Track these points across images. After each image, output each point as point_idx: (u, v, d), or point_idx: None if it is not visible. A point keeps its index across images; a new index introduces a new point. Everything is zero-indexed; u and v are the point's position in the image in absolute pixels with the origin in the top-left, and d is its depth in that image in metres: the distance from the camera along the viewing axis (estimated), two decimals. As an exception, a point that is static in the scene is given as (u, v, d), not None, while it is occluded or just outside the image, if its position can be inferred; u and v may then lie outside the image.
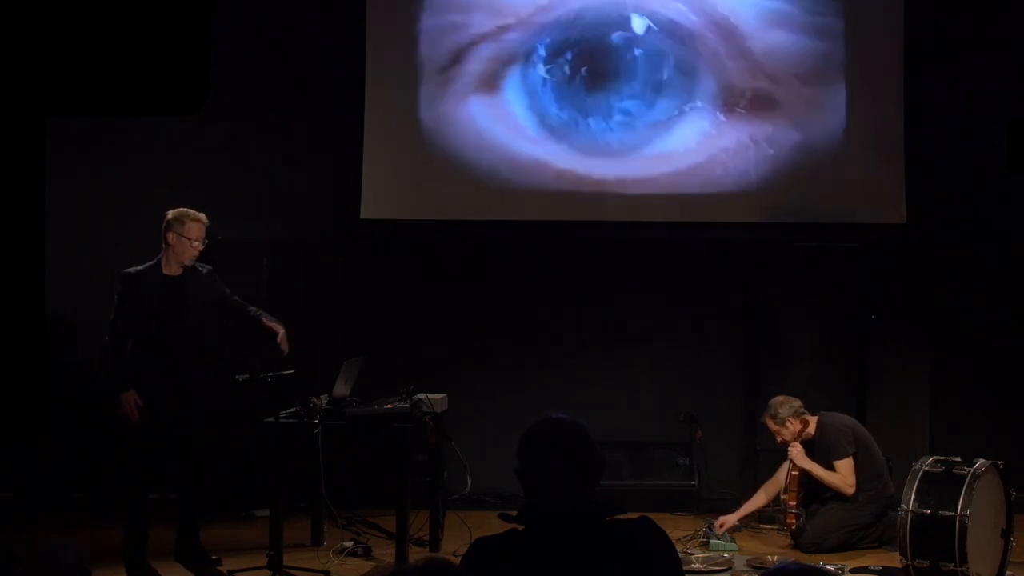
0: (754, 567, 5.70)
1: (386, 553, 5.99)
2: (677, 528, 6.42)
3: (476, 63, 7.40)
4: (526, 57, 7.39)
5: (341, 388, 5.79)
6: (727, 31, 7.31)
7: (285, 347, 5.83)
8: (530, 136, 7.40)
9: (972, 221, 7.39)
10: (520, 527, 2.67)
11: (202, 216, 5.71)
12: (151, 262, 5.71)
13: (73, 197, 7.05)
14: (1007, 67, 7.23)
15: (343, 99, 7.51)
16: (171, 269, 5.70)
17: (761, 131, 7.33)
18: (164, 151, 7.33)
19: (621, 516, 2.67)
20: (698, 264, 7.59)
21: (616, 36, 7.36)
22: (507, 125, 7.40)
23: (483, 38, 7.40)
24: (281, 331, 5.82)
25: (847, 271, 7.38)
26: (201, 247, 5.70)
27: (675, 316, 7.56)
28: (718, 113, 7.33)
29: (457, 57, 7.42)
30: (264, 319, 5.87)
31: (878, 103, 7.34)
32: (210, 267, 5.88)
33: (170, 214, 5.69)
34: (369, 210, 7.47)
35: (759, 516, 6.55)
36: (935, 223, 7.35)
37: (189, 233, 5.65)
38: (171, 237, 5.65)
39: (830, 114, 7.33)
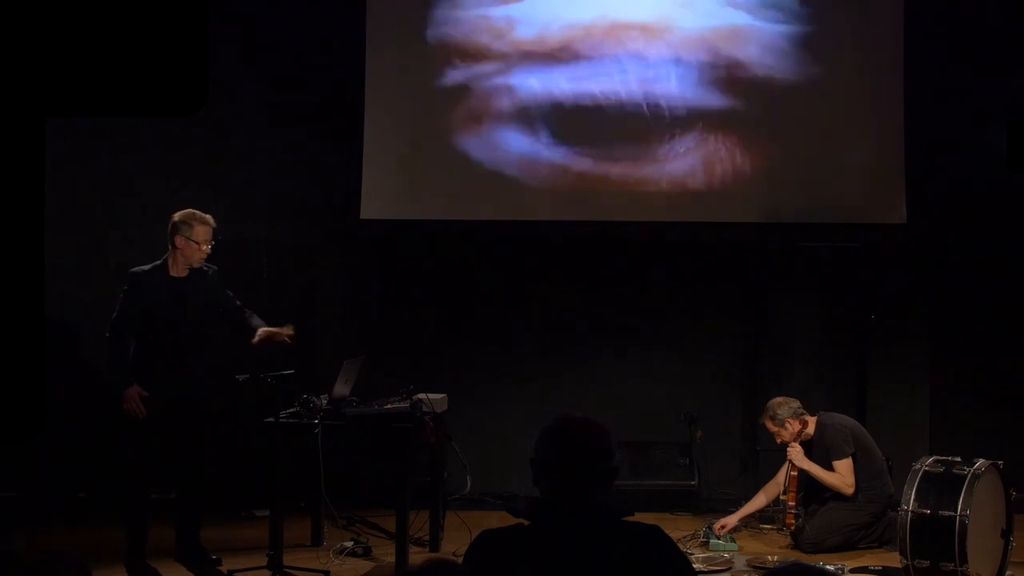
0: (754, 567, 5.70)
1: (386, 553, 5.99)
2: (677, 528, 6.43)
3: (478, 64, 7.40)
4: (531, 59, 7.39)
5: (341, 388, 5.79)
6: (729, 33, 7.31)
7: (281, 335, 5.79)
8: (530, 137, 7.40)
9: (972, 221, 7.38)
10: (526, 522, 2.66)
11: (209, 218, 5.69)
12: (158, 262, 5.69)
13: (73, 197, 7.04)
14: (1007, 67, 7.23)
15: (343, 99, 7.51)
16: (178, 271, 5.69)
17: (761, 131, 7.33)
18: (164, 151, 7.32)
19: (630, 519, 2.66)
20: (698, 264, 7.58)
21: (620, 41, 7.35)
22: (507, 126, 7.40)
23: (486, 40, 7.40)
24: (274, 331, 5.78)
25: (847, 271, 7.38)
26: (209, 250, 5.68)
27: (675, 316, 7.55)
28: (718, 113, 7.33)
29: (459, 57, 7.42)
30: (256, 336, 5.75)
31: (878, 103, 7.34)
32: (215, 268, 5.86)
33: (177, 216, 5.66)
34: (369, 210, 7.47)
35: (759, 516, 6.55)
36: (935, 223, 7.35)
37: (197, 236, 5.63)
38: (179, 240, 5.63)
39: (830, 114, 7.33)
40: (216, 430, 6.06)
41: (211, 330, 5.87)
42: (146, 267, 5.68)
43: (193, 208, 5.73)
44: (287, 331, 5.79)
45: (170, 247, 5.67)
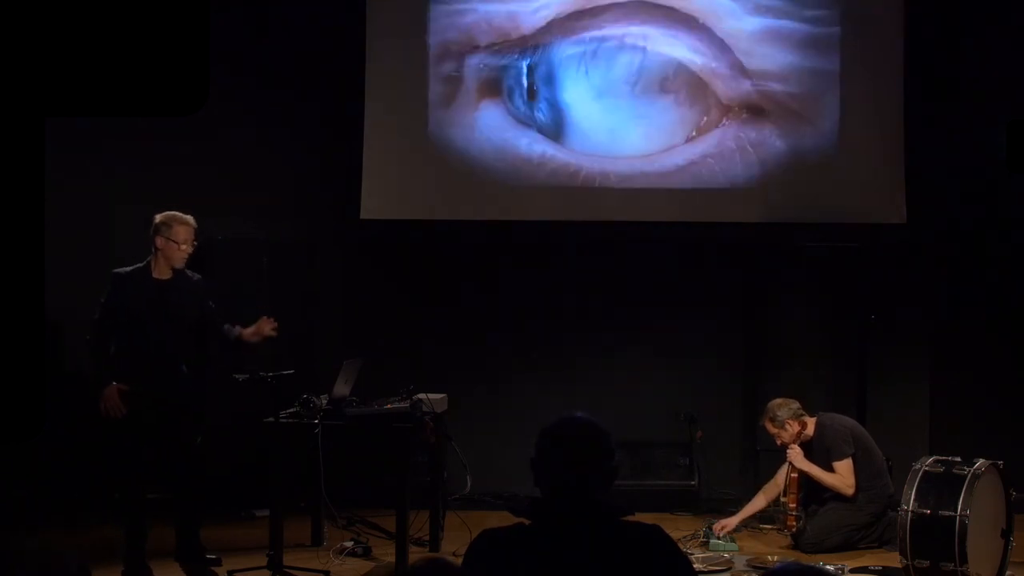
0: (754, 567, 5.70)
1: (386, 553, 5.99)
2: (677, 528, 6.42)
3: (477, 64, 7.40)
4: (529, 61, 7.39)
5: (341, 388, 5.78)
6: (730, 35, 7.31)
7: (268, 330, 5.79)
8: (530, 137, 7.39)
9: (972, 221, 7.38)
10: (527, 521, 2.67)
11: (189, 218, 5.68)
12: (140, 264, 5.68)
13: (72, 197, 7.03)
14: (1007, 67, 7.23)
15: (343, 99, 7.51)
16: (161, 272, 5.68)
17: (762, 131, 7.33)
18: (164, 151, 7.32)
19: (630, 519, 2.66)
20: (698, 264, 7.58)
21: (617, 45, 7.35)
22: (507, 125, 7.40)
23: (486, 40, 7.40)
24: (260, 329, 5.79)
25: (847, 271, 7.38)
26: (190, 250, 5.67)
27: (675, 316, 7.56)
28: (720, 113, 7.33)
29: (458, 58, 7.42)
30: (241, 336, 5.79)
31: (878, 103, 7.34)
32: (200, 276, 5.84)
33: (157, 218, 5.66)
34: (369, 210, 7.47)
35: (760, 516, 6.55)
36: (935, 223, 7.35)
37: (177, 237, 5.62)
38: (159, 241, 5.63)
39: (830, 114, 7.33)
40: (210, 429, 6.05)
41: (195, 333, 5.83)
42: (128, 268, 5.67)
43: (191, 208, 5.73)
44: (269, 325, 5.78)
45: (152, 249, 5.66)
